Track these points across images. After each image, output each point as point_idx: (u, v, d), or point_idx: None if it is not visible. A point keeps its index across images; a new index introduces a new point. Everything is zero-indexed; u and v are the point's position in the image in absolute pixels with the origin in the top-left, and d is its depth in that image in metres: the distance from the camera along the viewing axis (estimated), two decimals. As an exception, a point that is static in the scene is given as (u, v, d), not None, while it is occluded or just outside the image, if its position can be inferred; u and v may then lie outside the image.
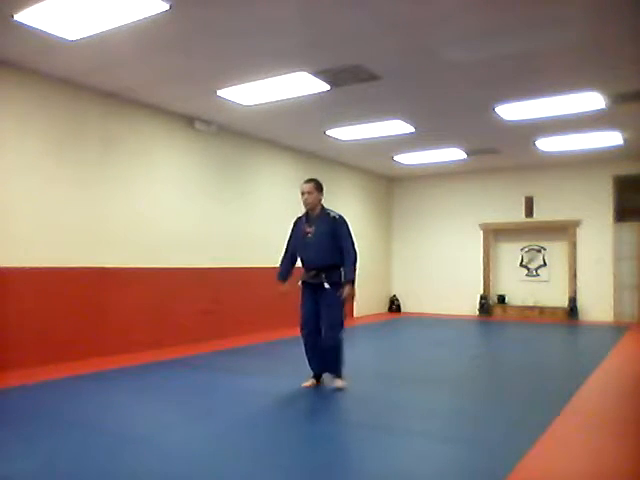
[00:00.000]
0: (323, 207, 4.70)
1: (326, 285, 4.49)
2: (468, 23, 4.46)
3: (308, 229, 4.63)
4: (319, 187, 4.68)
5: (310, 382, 4.70)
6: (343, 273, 4.52)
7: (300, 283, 4.68)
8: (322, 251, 4.55)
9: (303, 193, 4.64)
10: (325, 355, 4.60)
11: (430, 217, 11.83)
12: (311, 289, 4.61)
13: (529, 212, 10.77)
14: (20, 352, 5.31)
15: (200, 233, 7.45)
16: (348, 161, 10.38)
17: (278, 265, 4.84)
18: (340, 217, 4.63)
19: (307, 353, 4.69)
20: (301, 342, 4.71)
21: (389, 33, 4.64)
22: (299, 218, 4.81)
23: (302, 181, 4.78)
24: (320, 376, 4.74)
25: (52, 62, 5.34)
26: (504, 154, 9.53)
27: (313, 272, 4.58)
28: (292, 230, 4.85)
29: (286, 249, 4.85)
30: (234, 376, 5.19)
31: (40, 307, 5.52)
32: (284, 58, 5.20)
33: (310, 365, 4.72)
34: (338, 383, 4.58)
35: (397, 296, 12.03)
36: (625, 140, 8.35)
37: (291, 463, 2.94)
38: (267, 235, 8.56)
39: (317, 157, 9.83)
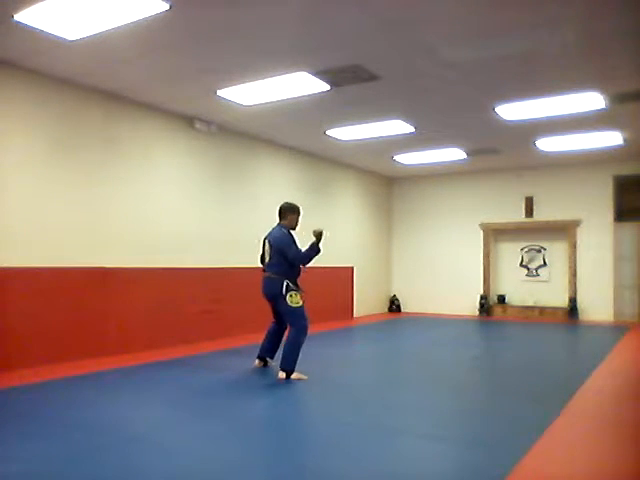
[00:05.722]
0: None
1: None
2: (468, 23, 4.46)
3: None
4: None
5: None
6: None
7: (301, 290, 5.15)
8: None
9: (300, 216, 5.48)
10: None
11: (430, 217, 11.83)
12: None
13: (529, 212, 10.77)
14: (20, 352, 5.31)
15: (200, 233, 7.46)
16: (348, 161, 10.38)
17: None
18: None
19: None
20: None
21: (389, 33, 4.64)
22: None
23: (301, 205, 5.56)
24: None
25: (52, 62, 5.34)
26: (504, 154, 9.53)
27: None
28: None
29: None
30: (234, 376, 5.19)
31: (40, 307, 5.52)
32: (284, 58, 5.20)
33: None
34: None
35: (397, 296, 12.03)
36: (625, 140, 8.35)
37: (289, 463, 2.94)
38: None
39: (317, 157, 9.83)
